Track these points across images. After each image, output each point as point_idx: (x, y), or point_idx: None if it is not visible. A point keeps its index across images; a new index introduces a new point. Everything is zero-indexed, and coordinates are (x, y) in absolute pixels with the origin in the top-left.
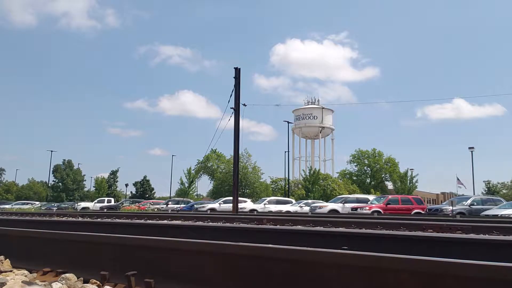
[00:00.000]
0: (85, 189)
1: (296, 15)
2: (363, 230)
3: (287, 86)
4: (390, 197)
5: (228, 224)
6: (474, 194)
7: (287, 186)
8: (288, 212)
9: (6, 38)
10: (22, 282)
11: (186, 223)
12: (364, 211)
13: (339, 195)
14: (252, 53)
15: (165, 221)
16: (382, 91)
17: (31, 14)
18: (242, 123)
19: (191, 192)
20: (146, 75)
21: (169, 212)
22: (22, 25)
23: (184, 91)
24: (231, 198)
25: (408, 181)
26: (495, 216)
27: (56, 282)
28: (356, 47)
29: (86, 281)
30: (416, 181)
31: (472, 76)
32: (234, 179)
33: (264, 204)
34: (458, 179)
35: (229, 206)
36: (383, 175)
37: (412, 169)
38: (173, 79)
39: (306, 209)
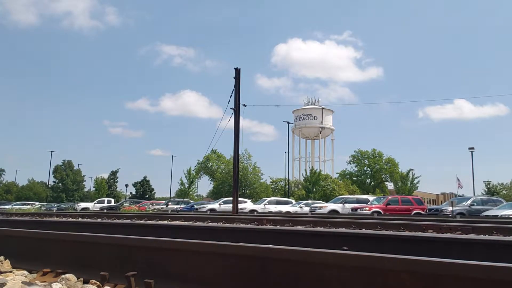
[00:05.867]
0: (85, 190)
1: (298, 15)
2: (363, 231)
3: (289, 86)
4: (390, 197)
5: (228, 225)
6: (474, 194)
7: (287, 186)
8: (288, 212)
9: (7, 38)
10: (22, 282)
11: (186, 223)
12: (364, 212)
13: (339, 195)
14: (254, 53)
15: (165, 222)
16: (384, 92)
17: (33, 14)
18: (242, 123)
19: (191, 192)
20: (148, 75)
21: (169, 212)
22: (24, 24)
23: (186, 91)
24: (231, 198)
25: (409, 182)
26: (495, 216)
27: (56, 283)
28: (360, 46)
29: (86, 282)
30: (417, 182)
31: (474, 76)
32: (234, 179)
33: (264, 205)
34: (458, 180)
35: (229, 207)
36: (383, 176)
37: (412, 170)
38: (175, 79)
39: (306, 209)
